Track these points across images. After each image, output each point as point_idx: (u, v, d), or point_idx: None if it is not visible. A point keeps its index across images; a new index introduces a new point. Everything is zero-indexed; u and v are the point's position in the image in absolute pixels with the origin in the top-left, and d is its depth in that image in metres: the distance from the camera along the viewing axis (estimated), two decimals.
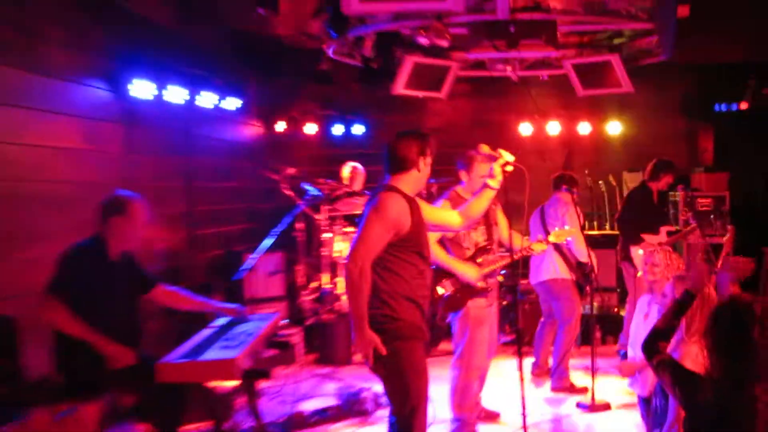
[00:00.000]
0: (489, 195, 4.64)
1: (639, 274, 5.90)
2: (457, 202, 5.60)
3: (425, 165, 4.35)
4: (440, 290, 5.69)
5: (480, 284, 5.65)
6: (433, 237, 5.35)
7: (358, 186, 8.96)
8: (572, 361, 7.15)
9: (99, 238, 4.58)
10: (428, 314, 4.35)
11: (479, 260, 5.73)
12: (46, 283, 4.41)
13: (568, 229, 6.41)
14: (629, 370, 5.19)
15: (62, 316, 4.30)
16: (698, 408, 3.13)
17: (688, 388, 3.20)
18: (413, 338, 4.15)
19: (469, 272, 5.59)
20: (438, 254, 5.56)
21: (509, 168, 4.58)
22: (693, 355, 4.13)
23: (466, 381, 5.74)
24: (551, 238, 6.27)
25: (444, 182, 9.12)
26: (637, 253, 7.21)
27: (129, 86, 6.40)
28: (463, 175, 6.01)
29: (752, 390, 3.04)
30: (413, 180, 4.32)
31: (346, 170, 9.17)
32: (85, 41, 5.98)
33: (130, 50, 6.51)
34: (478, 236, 5.81)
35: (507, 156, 4.58)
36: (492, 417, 6.31)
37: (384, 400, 5.16)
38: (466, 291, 5.67)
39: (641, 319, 5.21)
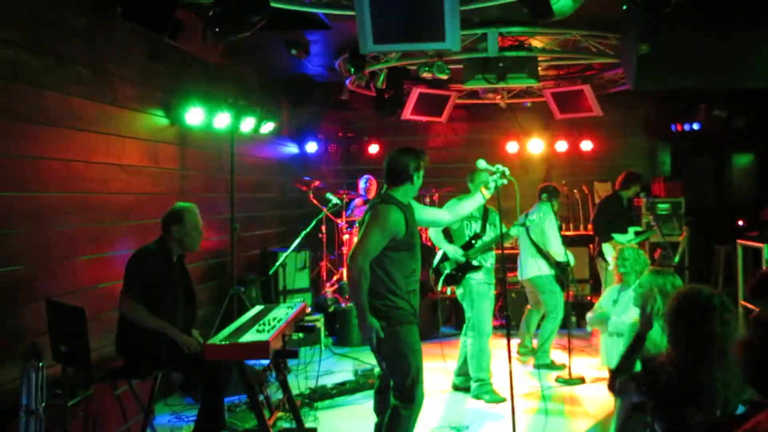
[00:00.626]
0: (479, 200, 4.71)
1: (610, 267, 5.83)
2: None
3: (418, 178, 4.33)
4: (442, 269, 6.04)
5: (474, 262, 5.91)
6: (438, 228, 5.98)
7: (372, 195, 8.92)
8: (552, 342, 7.07)
9: (162, 243, 4.54)
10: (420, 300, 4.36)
11: (475, 243, 5.99)
12: (123, 285, 4.40)
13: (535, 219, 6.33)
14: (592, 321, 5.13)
15: (141, 313, 4.29)
16: (661, 389, 2.99)
17: (650, 377, 3.06)
18: (409, 323, 4.14)
19: (456, 252, 5.91)
20: (437, 239, 6.06)
21: (502, 181, 4.55)
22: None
23: (481, 345, 5.91)
24: (524, 223, 6.24)
25: (444, 191, 9.08)
26: (610, 250, 7.13)
27: (184, 114, 6.39)
28: (470, 186, 6.09)
29: (710, 371, 2.91)
30: (407, 191, 4.29)
31: (362, 182, 9.15)
32: (148, 78, 5.98)
33: (185, 85, 6.51)
34: (479, 228, 6.06)
35: (503, 169, 4.57)
36: None
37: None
38: (461, 269, 5.95)
39: (610, 303, 5.13)
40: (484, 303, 5.96)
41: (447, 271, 6.03)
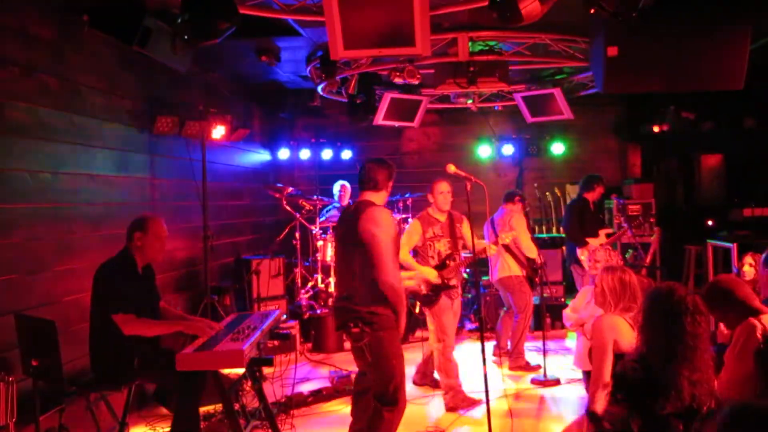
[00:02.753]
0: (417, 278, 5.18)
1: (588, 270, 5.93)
2: (427, 221, 6.08)
3: (389, 187, 4.45)
4: (420, 289, 5.93)
5: (451, 283, 5.88)
6: (405, 247, 5.90)
7: (345, 200, 8.93)
8: (527, 344, 7.12)
9: (126, 253, 4.50)
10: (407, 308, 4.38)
11: (450, 264, 5.93)
12: (103, 305, 4.30)
13: (509, 232, 6.40)
14: (570, 317, 5.17)
15: (143, 326, 4.26)
16: (630, 384, 3.04)
17: (619, 376, 3.10)
18: (392, 328, 4.17)
19: (429, 274, 5.84)
20: (407, 260, 5.89)
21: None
22: (612, 324, 4.01)
23: (447, 356, 5.88)
24: (501, 241, 6.34)
25: (416, 197, 9.12)
26: (584, 254, 7.19)
27: (154, 122, 6.34)
28: (429, 197, 6.15)
29: (676, 367, 2.97)
30: (382, 198, 4.38)
31: (336, 187, 9.14)
32: (117, 86, 5.94)
33: (154, 93, 6.47)
34: (441, 247, 5.99)
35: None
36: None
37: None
38: (437, 290, 5.88)
39: (584, 303, 5.19)
40: (446, 316, 5.90)
41: (424, 293, 5.94)
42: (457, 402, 5.85)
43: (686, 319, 3.00)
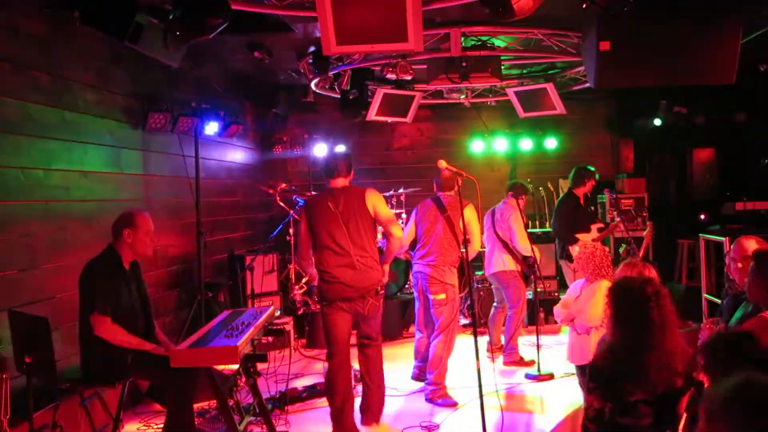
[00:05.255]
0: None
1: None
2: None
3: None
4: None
5: None
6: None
7: None
8: (520, 339, 7.14)
9: (111, 251, 4.48)
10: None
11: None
12: (84, 304, 4.29)
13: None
14: (561, 313, 5.20)
15: (119, 333, 4.22)
16: (601, 373, 3.06)
17: (592, 367, 3.14)
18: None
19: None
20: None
21: None
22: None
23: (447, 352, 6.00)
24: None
25: (410, 191, 9.12)
26: (575, 251, 7.19)
27: (146, 119, 6.33)
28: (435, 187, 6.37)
29: (644, 356, 3.00)
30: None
31: None
32: (109, 82, 5.92)
33: (146, 89, 6.45)
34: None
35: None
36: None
37: (359, 375, 5.25)
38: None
39: (573, 298, 5.18)
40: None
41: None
42: (437, 397, 5.90)
43: (651, 309, 3.04)
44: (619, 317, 3.13)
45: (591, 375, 3.08)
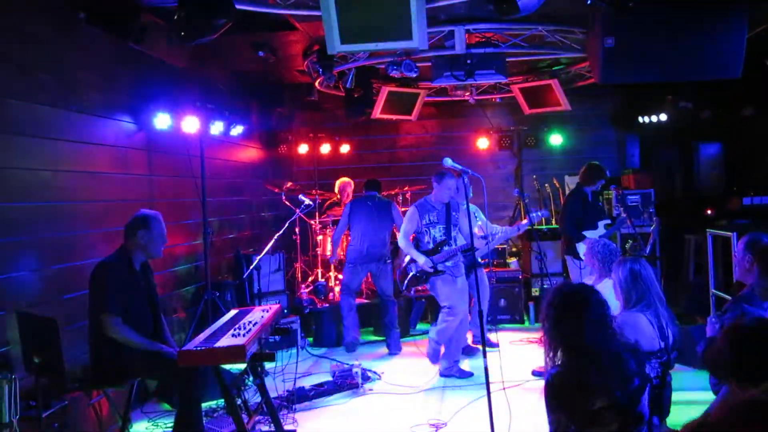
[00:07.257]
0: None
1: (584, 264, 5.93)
2: (425, 208, 6.59)
3: None
4: (409, 270, 6.69)
5: (434, 268, 6.46)
6: (405, 233, 6.65)
7: (347, 196, 8.95)
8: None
9: (123, 252, 4.51)
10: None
11: (440, 250, 6.49)
12: (94, 303, 4.33)
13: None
14: None
15: (129, 334, 4.26)
16: (556, 389, 3.03)
17: (547, 386, 3.12)
18: None
19: (420, 259, 6.47)
20: (405, 244, 6.62)
21: None
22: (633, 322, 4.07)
23: (449, 322, 6.44)
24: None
25: (415, 188, 9.14)
26: (582, 248, 7.17)
27: (152, 119, 6.35)
28: (435, 186, 6.54)
29: (592, 364, 2.96)
30: None
31: (339, 183, 9.16)
32: (114, 83, 5.94)
33: (152, 89, 6.46)
34: (437, 233, 6.56)
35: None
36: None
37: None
38: (424, 272, 6.55)
39: None
40: (447, 288, 6.46)
41: (412, 273, 6.60)
42: (453, 373, 6.46)
43: (587, 315, 3.00)
44: (560, 331, 3.08)
45: (548, 393, 3.04)
